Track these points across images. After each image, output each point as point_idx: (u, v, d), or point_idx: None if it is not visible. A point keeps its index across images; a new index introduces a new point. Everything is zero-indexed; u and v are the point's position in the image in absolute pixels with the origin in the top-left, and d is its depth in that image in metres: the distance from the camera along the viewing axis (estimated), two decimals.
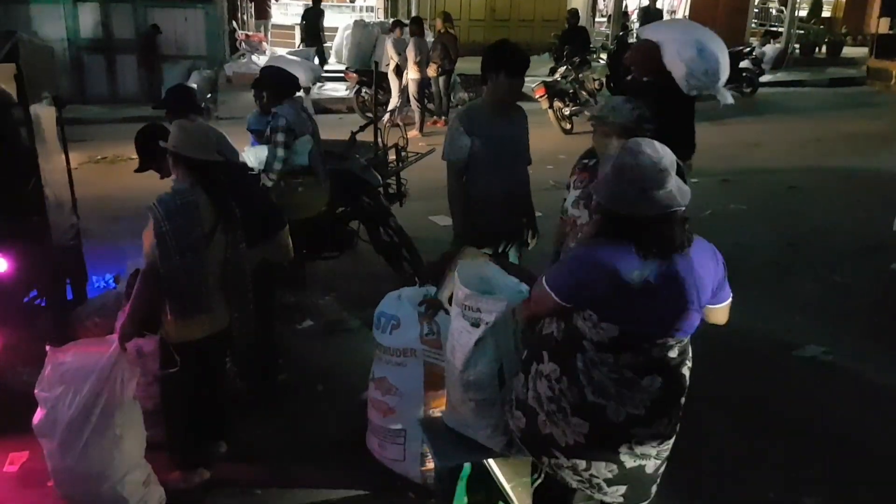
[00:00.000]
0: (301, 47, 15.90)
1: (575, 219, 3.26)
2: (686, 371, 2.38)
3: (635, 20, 18.69)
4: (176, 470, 3.42)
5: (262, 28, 18.70)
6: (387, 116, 9.29)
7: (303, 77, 13.29)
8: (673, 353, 2.31)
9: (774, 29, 20.52)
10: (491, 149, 3.82)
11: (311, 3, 15.86)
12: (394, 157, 6.28)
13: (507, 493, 3.04)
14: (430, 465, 3.31)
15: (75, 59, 12.90)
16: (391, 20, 15.14)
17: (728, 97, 4.42)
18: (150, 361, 3.37)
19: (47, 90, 4.25)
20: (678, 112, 4.04)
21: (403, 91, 11.32)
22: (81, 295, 4.61)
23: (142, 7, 13.13)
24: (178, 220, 3.05)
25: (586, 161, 3.38)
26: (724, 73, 4.42)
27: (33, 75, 3.82)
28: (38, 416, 3.13)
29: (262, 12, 18.83)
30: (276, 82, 4.98)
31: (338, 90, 14.19)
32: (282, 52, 15.20)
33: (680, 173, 2.31)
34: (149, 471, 3.27)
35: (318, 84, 13.72)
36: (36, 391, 3.13)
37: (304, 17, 15.80)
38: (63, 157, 4.45)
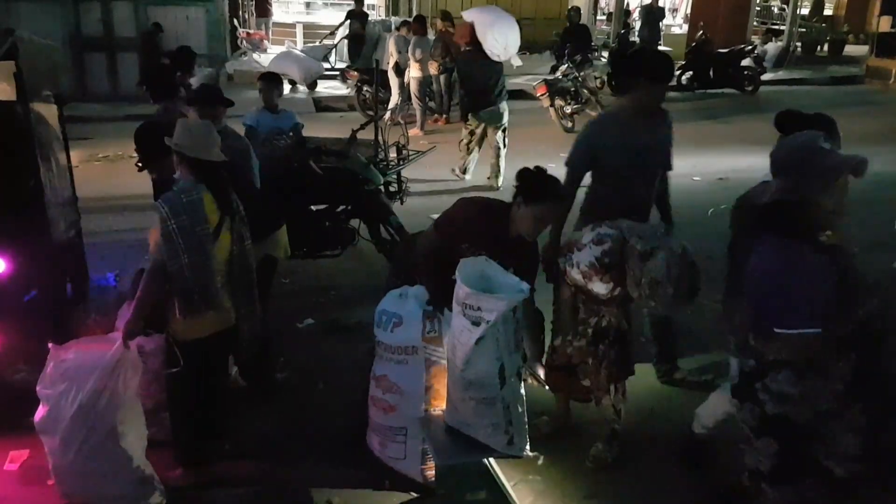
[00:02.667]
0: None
1: None
2: None
3: (637, 18, 18.64)
4: (177, 467, 3.42)
5: (263, 26, 18.65)
6: (387, 114, 9.27)
7: (297, 74, 13.23)
8: None
9: (776, 27, 20.48)
10: (619, 160, 3.58)
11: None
12: (394, 155, 6.28)
13: (508, 492, 3.04)
14: (431, 463, 3.32)
15: (76, 57, 12.89)
16: (393, 18, 15.08)
17: (517, 61, 7.49)
18: (152, 359, 3.37)
19: (48, 88, 4.24)
20: (488, 70, 7.00)
21: (404, 89, 11.32)
22: (82, 293, 4.61)
23: (143, 5, 13.12)
24: (183, 217, 3.05)
25: None
26: (512, 46, 7.40)
27: (33, 73, 3.80)
28: (40, 413, 3.13)
29: (263, 10, 18.77)
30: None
31: (339, 88, 14.17)
32: (287, 48, 15.10)
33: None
34: (150, 468, 3.27)
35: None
36: (38, 388, 3.13)
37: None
38: (64, 155, 4.45)
